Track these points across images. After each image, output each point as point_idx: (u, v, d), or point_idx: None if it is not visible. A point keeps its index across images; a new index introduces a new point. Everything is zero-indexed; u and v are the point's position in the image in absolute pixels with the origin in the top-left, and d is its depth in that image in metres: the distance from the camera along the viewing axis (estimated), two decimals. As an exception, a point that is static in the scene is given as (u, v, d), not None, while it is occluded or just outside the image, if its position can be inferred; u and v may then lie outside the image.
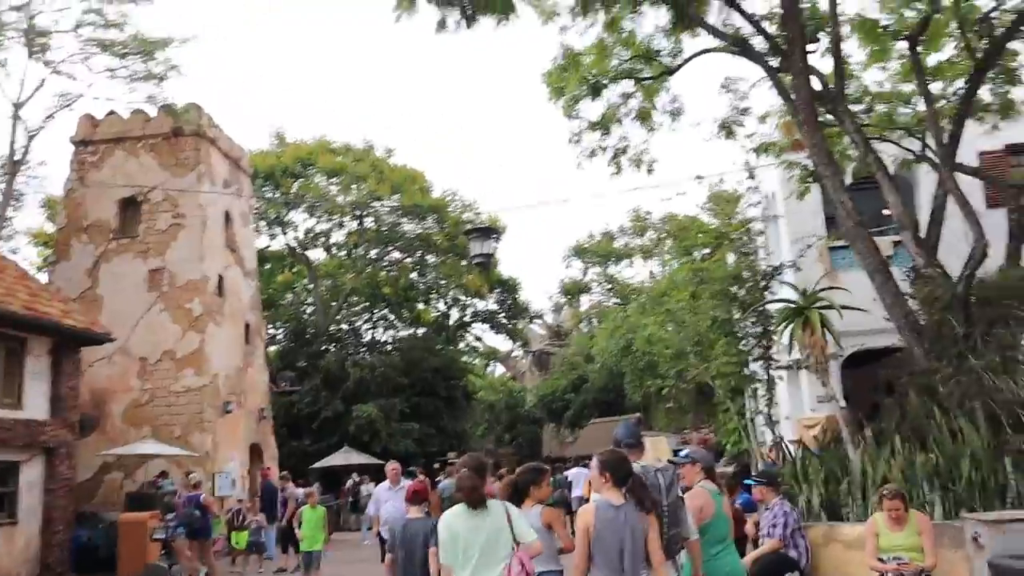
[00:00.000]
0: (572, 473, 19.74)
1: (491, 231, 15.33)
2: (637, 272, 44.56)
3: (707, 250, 11.93)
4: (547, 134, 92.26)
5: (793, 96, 10.28)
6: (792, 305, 9.57)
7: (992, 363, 9.28)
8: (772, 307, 10.89)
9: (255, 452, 23.27)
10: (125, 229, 21.70)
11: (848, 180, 19.74)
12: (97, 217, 21.66)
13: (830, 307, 9.46)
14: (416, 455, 30.38)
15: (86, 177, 21.94)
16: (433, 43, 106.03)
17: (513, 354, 56.18)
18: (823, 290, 9.84)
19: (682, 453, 6.86)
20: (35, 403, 16.64)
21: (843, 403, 17.86)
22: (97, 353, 19.88)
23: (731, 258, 10.71)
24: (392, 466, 11.49)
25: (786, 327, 9.48)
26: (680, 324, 26.97)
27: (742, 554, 7.40)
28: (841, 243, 17.33)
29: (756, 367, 10.57)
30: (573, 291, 45.97)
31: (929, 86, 11.79)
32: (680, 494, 5.34)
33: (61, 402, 17.17)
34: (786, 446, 11.85)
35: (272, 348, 33.00)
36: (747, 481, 8.64)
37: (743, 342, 10.52)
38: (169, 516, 16.11)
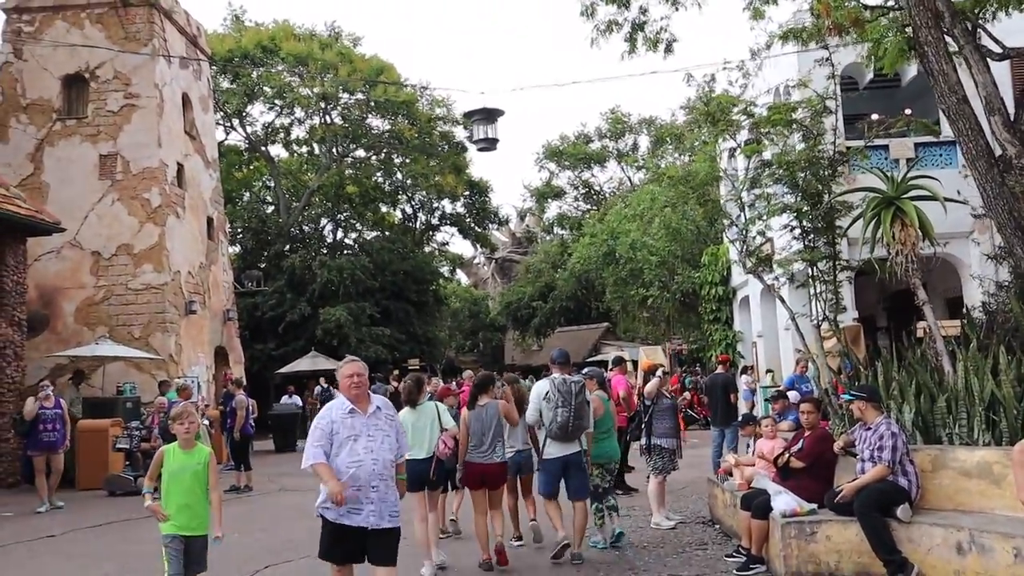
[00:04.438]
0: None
1: (495, 112, 13.69)
2: (611, 176, 42.91)
3: (746, 135, 10.47)
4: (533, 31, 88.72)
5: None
6: (880, 194, 8.22)
7: (1101, 267, 8.14)
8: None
9: (220, 355, 21.71)
10: (71, 109, 19.47)
11: (868, 77, 18.49)
12: (38, 95, 19.33)
13: (931, 197, 8.15)
14: (386, 361, 29.12)
15: (22, 50, 19.51)
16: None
17: (475, 261, 54.78)
18: (913, 178, 8.51)
19: (584, 371, 9.05)
20: (-24, 298, 14.92)
21: (856, 314, 17.05)
22: (44, 246, 18.02)
23: (792, 141, 9.30)
24: (354, 370, 5.41)
25: (872, 219, 8.15)
26: (668, 229, 25.87)
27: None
28: (872, 143, 16.06)
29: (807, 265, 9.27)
30: (546, 195, 44.23)
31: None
32: (587, 398, 7.94)
33: (6, 298, 15.45)
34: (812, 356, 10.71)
35: (231, 248, 31.08)
36: (845, 396, 7.42)
37: (809, 237, 9.18)
38: (134, 424, 14.69)
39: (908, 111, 17.96)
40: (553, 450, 7.72)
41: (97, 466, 14.23)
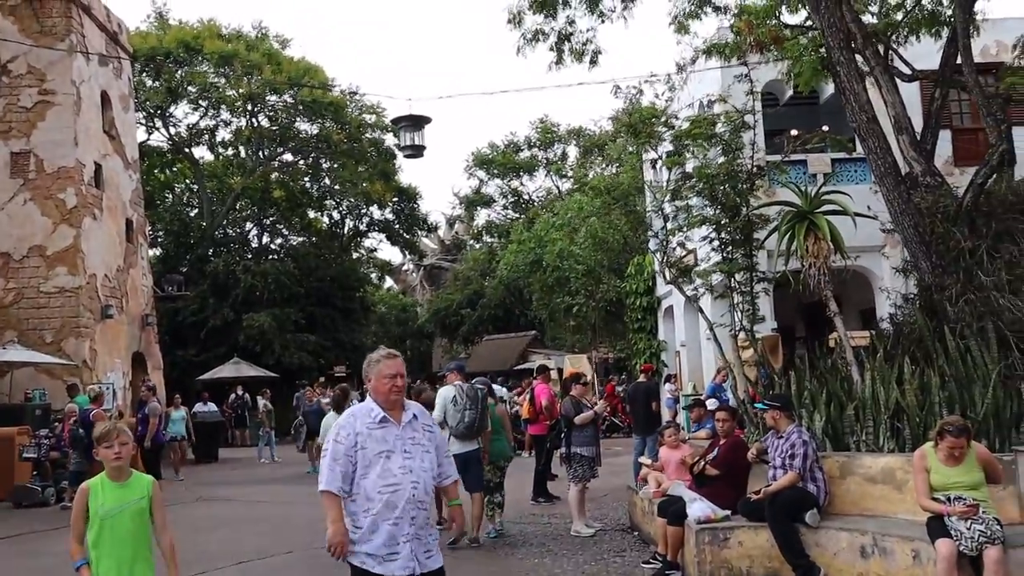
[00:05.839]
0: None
1: (422, 120, 13.68)
2: (540, 185, 43.13)
3: (668, 147, 10.68)
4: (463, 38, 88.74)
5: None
6: (794, 208, 8.47)
7: (999, 281, 8.52)
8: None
9: (138, 362, 21.12)
10: (-20, 104, 18.78)
11: (789, 94, 19.01)
12: (-55, 88, 18.61)
13: (842, 212, 8.42)
14: (311, 368, 28.73)
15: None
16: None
17: (404, 268, 54.48)
18: (827, 193, 8.78)
19: (473, 381, 9.65)
20: None
21: (775, 324, 17.48)
22: (-51, 245, 17.33)
23: (712, 154, 9.51)
24: (396, 370, 4.18)
25: (787, 233, 8.39)
26: (595, 238, 26.14)
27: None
28: (790, 158, 16.53)
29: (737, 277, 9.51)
30: (475, 203, 44.21)
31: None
32: (488, 402, 8.95)
33: (-94, 300, 14.80)
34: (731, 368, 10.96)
35: (152, 251, 30.28)
36: (758, 405, 7.61)
37: (727, 249, 9.40)
38: (42, 432, 14.18)
39: (826, 128, 18.55)
40: (456, 447, 8.43)
41: (2, 476, 13.66)
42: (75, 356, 17.51)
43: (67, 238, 18.12)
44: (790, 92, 18.43)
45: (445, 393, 8.88)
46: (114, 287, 19.85)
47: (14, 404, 15.92)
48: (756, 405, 7.85)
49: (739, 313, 9.54)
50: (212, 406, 23.32)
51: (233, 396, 25.87)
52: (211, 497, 13.97)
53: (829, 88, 18.07)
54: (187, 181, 36.51)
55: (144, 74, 30.78)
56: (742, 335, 9.66)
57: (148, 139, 33.21)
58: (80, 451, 12.67)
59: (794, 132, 18.34)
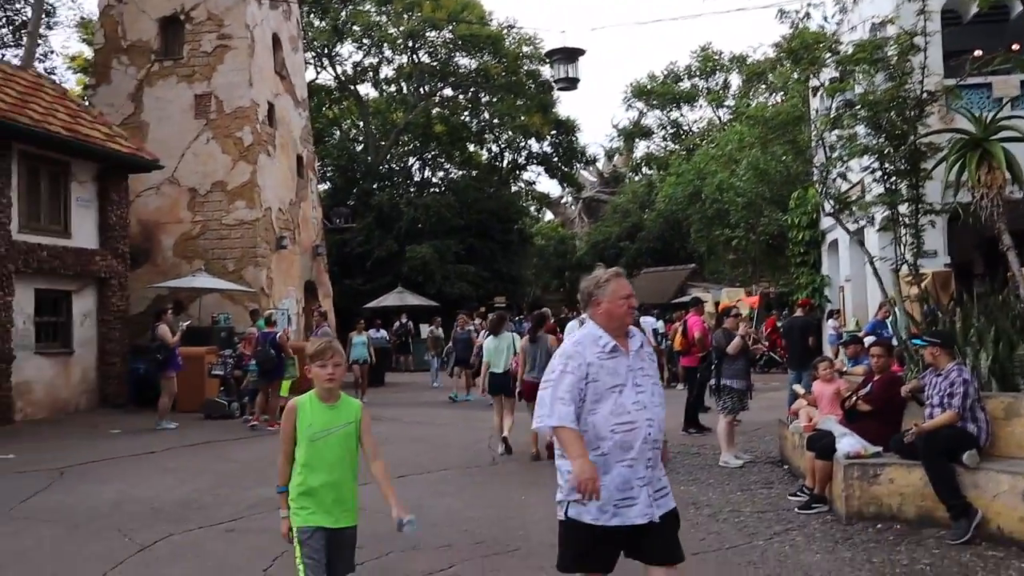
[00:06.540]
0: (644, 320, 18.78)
1: (576, 52, 13.65)
2: (700, 116, 41.95)
3: (835, 74, 10.16)
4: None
5: None
6: (967, 136, 7.95)
7: None
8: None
9: (309, 290, 22.50)
10: (168, 51, 20.13)
11: (974, 10, 17.53)
12: (137, 38, 20.04)
13: (1021, 139, 7.83)
14: (470, 298, 29.63)
15: (122, -7, 20.18)
16: None
17: (562, 200, 54.66)
18: (1006, 119, 8.18)
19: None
20: (83, 232, 15.86)
21: (948, 259, 16.50)
22: (144, 182, 18.86)
23: (879, 79, 9.00)
24: (628, 289, 3.87)
25: (956, 162, 7.91)
26: (756, 170, 25.29)
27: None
28: (969, 81, 15.31)
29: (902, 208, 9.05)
30: (633, 135, 43.56)
31: None
32: None
33: (110, 231, 16.38)
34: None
35: (321, 186, 31.87)
36: (916, 341, 7.34)
37: (891, 180, 8.94)
38: (227, 352, 15.49)
39: (1016, 46, 17.02)
40: None
41: (194, 391, 15.04)
42: (254, 283, 18.86)
43: (245, 174, 19.36)
44: (975, 9, 17.00)
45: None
46: (287, 219, 21.11)
47: (203, 326, 17.39)
48: (914, 341, 7.55)
49: (903, 247, 9.11)
50: (383, 332, 24.58)
51: (397, 324, 27.14)
52: (376, 417, 14.60)
53: (1019, 4, 16.55)
54: (353, 118, 37.92)
55: (311, 15, 31.98)
56: (904, 269, 9.23)
57: (316, 78, 34.69)
58: (261, 372, 13.66)
59: (978, 52, 16.98)
